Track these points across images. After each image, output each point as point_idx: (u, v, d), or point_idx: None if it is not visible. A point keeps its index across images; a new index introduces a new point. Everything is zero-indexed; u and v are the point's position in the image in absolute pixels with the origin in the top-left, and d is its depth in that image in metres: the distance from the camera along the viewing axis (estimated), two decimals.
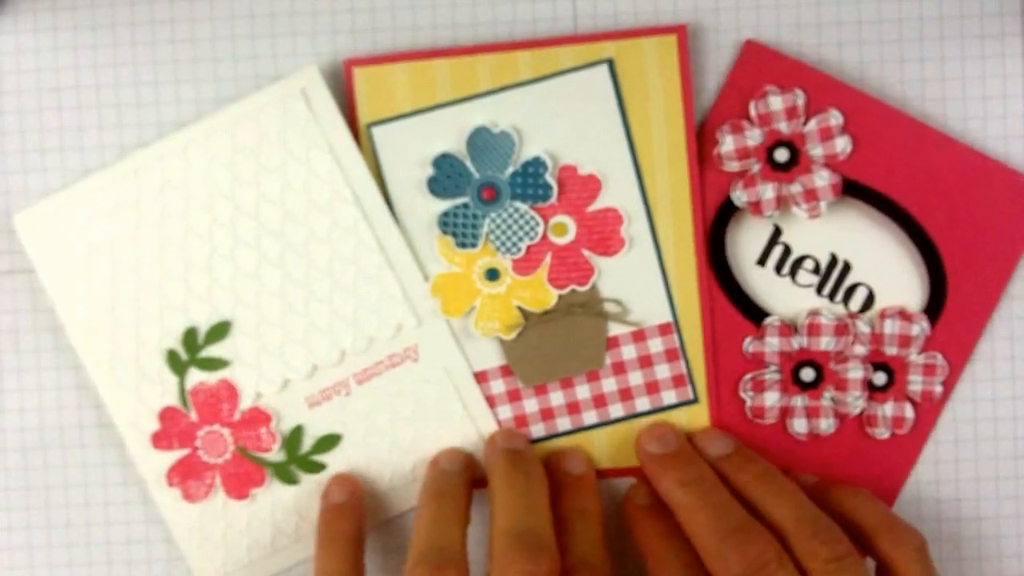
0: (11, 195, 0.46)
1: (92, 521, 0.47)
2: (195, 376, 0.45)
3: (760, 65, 0.45)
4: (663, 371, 0.46)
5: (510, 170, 0.45)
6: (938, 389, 0.45)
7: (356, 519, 0.45)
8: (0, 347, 0.47)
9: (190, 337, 0.45)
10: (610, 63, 0.45)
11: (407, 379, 0.46)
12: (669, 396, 0.46)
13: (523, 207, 0.45)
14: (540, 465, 0.45)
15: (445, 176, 0.45)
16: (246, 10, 0.46)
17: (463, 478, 0.45)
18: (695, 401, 0.46)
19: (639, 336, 0.46)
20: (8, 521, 0.47)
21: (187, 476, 0.45)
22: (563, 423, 0.46)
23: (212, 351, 0.45)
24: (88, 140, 0.46)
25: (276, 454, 0.46)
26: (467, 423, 0.46)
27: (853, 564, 0.40)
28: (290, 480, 0.46)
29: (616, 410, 0.46)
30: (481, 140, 0.44)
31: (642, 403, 0.46)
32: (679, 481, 0.43)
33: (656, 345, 0.46)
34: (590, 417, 0.46)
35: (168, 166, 0.45)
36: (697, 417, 0.46)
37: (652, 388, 0.46)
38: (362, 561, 0.44)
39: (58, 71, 0.46)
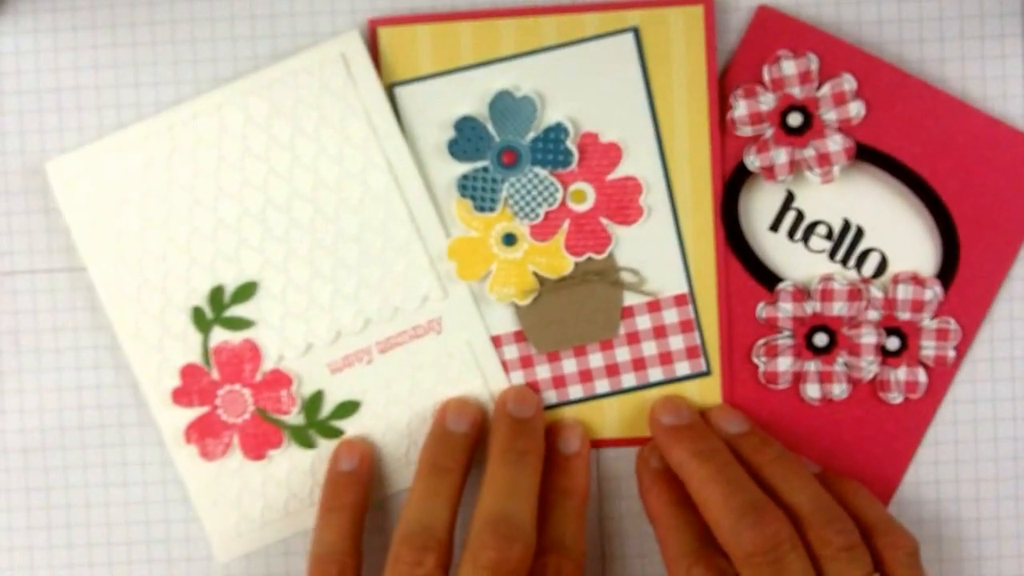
0: (11, 195, 0.47)
1: (92, 522, 0.47)
2: (219, 335, 0.46)
3: (774, 30, 0.45)
4: (677, 342, 0.46)
5: (531, 135, 0.45)
6: (951, 354, 0.45)
7: (361, 490, 0.45)
8: (1, 348, 0.47)
9: (216, 296, 0.46)
10: (635, 31, 0.45)
11: (429, 351, 0.46)
12: (682, 367, 0.46)
13: (543, 173, 0.45)
14: (541, 438, 0.45)
15: (466, 139, 0.45)
16: (246, 11, 0.46)
17: (465, 443, 0.45)
18: (708, 373, 0.46)
19: (654, 306, 0.46)
20: (8, 522, 0.47)
21: (205, 434, 0.46)
22: (575, 391, 0.46)
23: (237, 311, 0.46)
24: (88, 141, 0.46)
25: (295, 417, 0.46)
26: (487, 398, 0.46)
27: (863, 555, 0.40)
28: (307, 444, 0.46)
29: (629, 380, 0.46)
30: (503, 104, 0.45)
31: (655, 374, 0.46)
32: (693, 452, 0.43)
33: (671, 316, 0.46)
34: (602, 386, 0.46)
35: (202, 124, 0.46)
36: (710, 390, 0.46)
37: (665, 359, 0.46)
38: (361, 533, 0.44)
39: (58, 72, 0.46)
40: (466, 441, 0.45)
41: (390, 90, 0.46)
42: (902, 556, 0.41)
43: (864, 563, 0.40)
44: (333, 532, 0.44)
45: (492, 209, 0.45)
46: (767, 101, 0.45)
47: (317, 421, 0.46)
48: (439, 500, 0.43)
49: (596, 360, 0.46)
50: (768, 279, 0.46)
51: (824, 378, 0.46)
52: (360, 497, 0.45)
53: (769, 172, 0.45)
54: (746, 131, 0.45)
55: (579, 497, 0.45)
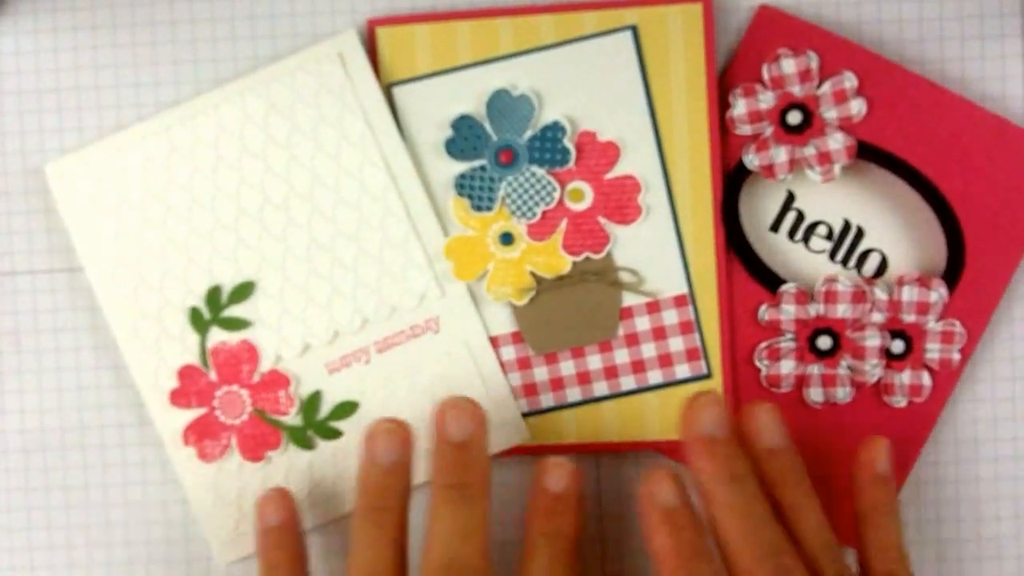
0: (11, 196, 0.47)
1: (92, 522, 0.47)
2: (216, 335, 0.46)
3: (774, 29, 0.45)
4: (677, 344, 0.45)
5: (528, 134, 0.45)
6: (956, 357, 0.45)
7: (295, 542, 0.44)
8: (0, 348, 0.47)
9: (214, 296, 0.46)
10: (634, 30, 0.45)
11: (427, 351, 0.46)
12: (682, 370, 0.46)
13: (540, 172, 0.45)
14: (484, 464, 0.42)
15: (463, 138, 0.45)
16: (246, 12, 0.46)
17: (400, 473, 0.43)
18: (708, 376, 0.45)
19: (654, 307, 0.46)
20: (8, 522, 0.47)
21: (203, 435, 0.46)
22: (573, 393, 0.46)
23: (235, 311, 0.46)
24: (88, 142, 0.46)
25: (293, 418, 0.46)
26: (485, 399, 0.46)
27: None
28: (306, 445, 0.46)
29: (628, 382, 0.46)
30: (500, 103, 0.45)
31: (654, 376, 0.46)
32: (723, 476, 0.41)
33: (671, 317, 0.45)
34: (600, 388, 0.46)
35: (200, 124, 0.46)
36: None
37: (665, 361, 0.46)
38: None
39: (58, 72, 0.47)
40: (400, 471, 0.43)
41: (388, 90, 0.46)
42: None
43: None
44: None
45: (489, 208, 0.45)
46: (766, 99, 0.44)
47: (315, 422, 0.46)
48: (383, 546, 0.41)
49: (595, 362, 0.46)
50: (769, 280, 0.45)
51: (827, 382, 0.45)
52: (296, 551, 0.44)
53: (768, 171, 0.45)
54: (745, 130, 0.45)
55: (566, 540, 0.42)
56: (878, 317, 0.45)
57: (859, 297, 0.45)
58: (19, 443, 0.47)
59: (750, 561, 0.40)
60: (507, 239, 0.45)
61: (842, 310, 0.45)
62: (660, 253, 0.45)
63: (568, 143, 0.45)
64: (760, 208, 0.46)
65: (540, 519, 0.42)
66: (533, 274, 0.45)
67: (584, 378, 0.46)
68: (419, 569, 0.41)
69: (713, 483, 0.41)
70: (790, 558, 0.40)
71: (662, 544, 0.41)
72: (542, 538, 0.42)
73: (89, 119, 0.46)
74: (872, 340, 0.44)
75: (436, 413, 0.43)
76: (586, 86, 0.45)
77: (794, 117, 0.44)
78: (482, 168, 0.45)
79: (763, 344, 0.45)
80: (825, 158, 0.44)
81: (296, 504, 0.45)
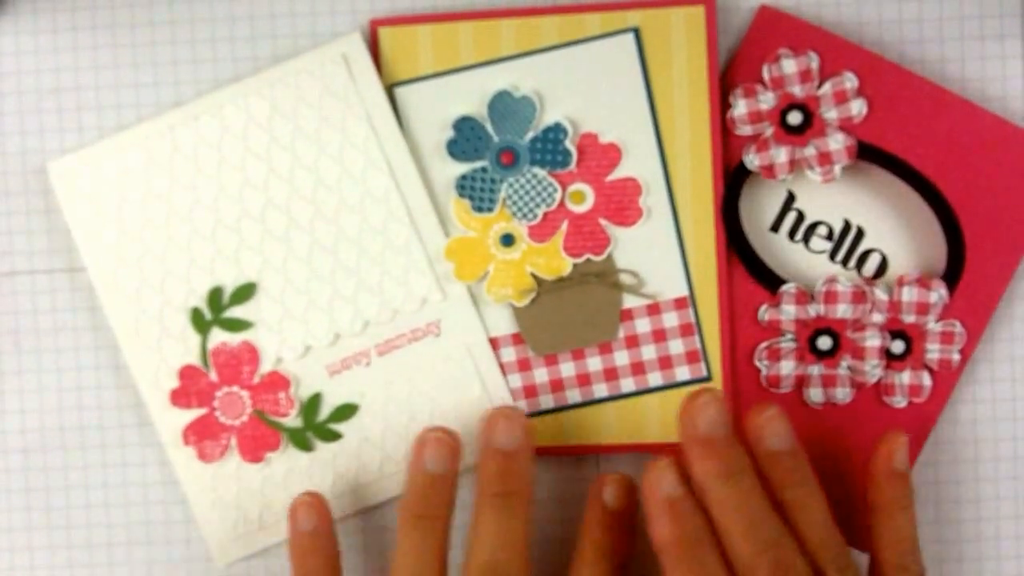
0: (11, 196, 0.47)
1: (92, 522, 0.47)
2: (217, 336, 0.46)
3: (775, 30, 0.45)
4: (677, 346, 0.46)
5: (530, 135, 0.45)
6: (956, 357, 0.45)
7: (328, 546, 0.44)
8: (0, 348, 0.47)
9: (215, 296, 0.46)
10: (636, 32, 0.45)
11: (428, 354, 0.46)
12: (682, 372, 0.46)
13: (541, 173, 0.45)
14: (529, 474, 0.43)
15: (465, 139, 0.45)
16: (246, 12, 0.46)
17: (447, 484, 0.43)
18: (708, 378, 0.46)
19: (654, 309, 0.46)
20: (8, 522, 0.47)
21: (203, 436, 0.46)
22: (573, 395, 0.46)
23: (236, 312, 0.46)
24: (88, 142, 0.46)
25: (293, 420, 0.46)
26: (486, 403, 0.46)
27: None
28: (306, 447, 0.46)
29: (627, 384, 0.46)
30: (502, 104, 0.45)
31: (654, 378, 0.46)
32: (721, 473, 0.41)
33: (671, 319, 0.45)
34: (600, 390, 0.46)
35: (204, 124, 0.46)
36: None
37: (665, 363, 0.46)
38: None
39: (58, 72, 0.47)
40: (447, 481, 0.43)
41: (390, 90, 0.46)
42: None
43: None
44: None
45: (490, 209, 0.45)
46: (767, 100, 0.45)
47: (315, 424, 0.46)
48: (428, 554, 0.42)
49: (595, 364, 0.46)
50: (770, 280, 0.45)
51: (827, 382, 0.45)
52: (331, 556, 0.44)
53: (769, 171, 0.45)
54: (745, 130, 0.45)
55: (620, 557, 0.44)
56: (878, 317, 0.45)
57: (859, 297, 0.45)
58: (19, 443, 0.47)
59: (750, 555, 0.40)
60: (508, 240, 0.45)
61: (842, 310, 0.45)
62: (661, 255, 0.45)
63: (570, 145, 0.45)
64: (760, 208, 0.46)
65: (598, 533, 0.44)
66: (534, 275, 0.45)
67: (584, 380, 0.46)
68: (461, 570, 0.42)
69: (710, 480, 0.41)
70: (789, 551, 0.40)
71: (664, 533, 0.41)
72: (598, 552, 0.44)
73: (89, 119, 0.46)
74: (872, 340, 0.45)
75: (484, 422, 0.44)
76: (588, 88, 0.45)
77: (794, 117, 0.44)
78: (483, 169, 0.45)
79: (763, 344, 0.45)
80: (825, 158, 0.44)
81: (328, 507, 0.45)
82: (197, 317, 0.46)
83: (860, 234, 0.45)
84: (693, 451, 0.42)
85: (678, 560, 0.41)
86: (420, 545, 0.43)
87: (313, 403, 0.46)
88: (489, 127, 0.45)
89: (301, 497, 0.45)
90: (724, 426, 0.42)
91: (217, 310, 0.46)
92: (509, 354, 0.46)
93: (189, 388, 0.46)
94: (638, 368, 0.46)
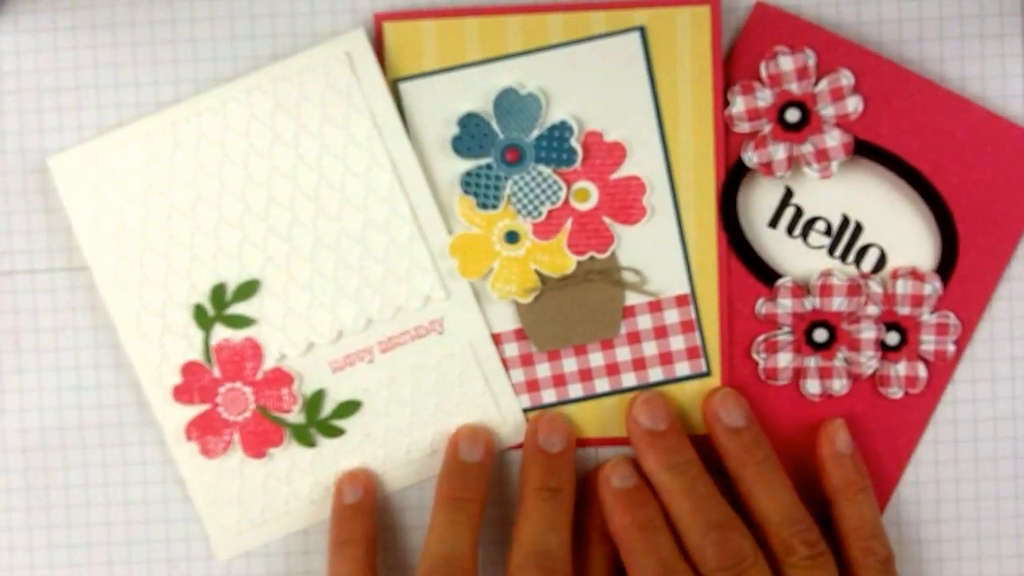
0: (11, 195, 0.47)
1: (92, 522, 0.47)
2: (220, 332, 0.46)
3: (771, 27, 0.45)
4: (678, 343, 0.46)
5: (535, 133, 0.45)
6: (951, 348, 0.46)
7: (369, 520, 0.45)
8: (0, 348, 0.47)
9: (218, 293, 0.46)
10: (642, 31, 0.45)
11: (431, 351, 0.46)
12: (683, 368, 0.46)
13: (546, 171, 0.45)
14: (572, 472, 0.45)
15: (470, 136, 0.45)
16: (246, 11, 0.46)
17: (480, 472, 0.45)
18: (708, 374, 0.46)
19: (655, 306, 0.46)
20: (8, 522, 0.47)
21: (206, 432, 0.46)
22: (575, 390, 0.46)
23: (239, 309, 0.46)
24: (88, 141, 0.46)
25: (296, 416, 0.46)
26: (488, 399, 0.46)
27: (826, 563, 0.42)
28: (308, 443, 0.46)
29: (629, 379, 0.46)
30: (508, 101, 0.45)
31: (655, 374, 0.46)
32: (666, 464, 0.44)
33: (672, 316, 0.46)
34: (602, 385, 0.46)
35: (207, 121, 0.46)
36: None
37: (666, 359, 0.46)
38: (374, 563, 0.45)
39: (58, 72, 0.46)
40: (481, 470, 0.45)
41: (394, 85, 0.46)
42: (873, 563, 0.43)
43: (829, 571, 0.42)
44: (349, 565, 0.44)
45: (495, 206, 0.46)
46: (764, 97, 0.45)
47: (318, 420, 0.46)
48: (460, 531, 0.44)
49: (597, 359, 0.46)
50: (768, 276, 0.46)
51: (824, 374, 0.46)
52: (370, 528, 0.45)
53: (767, 168, 0.45)
54: (744, 127, 0.45)
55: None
56: (873, 310, 0.46)
57: (854, 290, 0.45)
58: (19, 443, 0.47)
59: (698, 537, 0.42)
60: (512, 237, 0.46)
61: (837, 303, 0.45)
62: (663, 253, 0.46)
63: (575, 143, 0.45)
64: (758, 204, 0.46)
65: (598, 517, 0.45)
66: (538, 273, 0.46)
67: (586, 375, 0.46)
68: (508, 556, 0.43)
69: (658, 471, 0.44)
70: (736, 533, 0.42)
71: (620, 523, 0.44)
72: (600, 534, 0.45)
73: (89, 118, 0.46)
74: (867, 332, 0.45)
75: (530, 426, 0.46)
76: (593, 86, 0.45)
77: (792, 115, 0.45)
78: (488, 166, 0.45)
79: (760, 337, 0.46)
80: (823, 155, 0.45)
81: (375, 486, 0.46)
82: (200, 313, 0.46)
83: (858, 229, 0.46)
84: (640, 446, 0.45)
85: (633, 544, 0.43)
86: (454, 520, 0.44)
87: (316, 399, 0.46)
88: (495, 124, 0.45)
89: (347, 472, 0.46)
90: (665, 420, 0.45)
91: (220, 307, 0.46)
92: (512, 349, 0.46)
93: (192, 384, 0.46)
94: (639, 364, 0.46)
